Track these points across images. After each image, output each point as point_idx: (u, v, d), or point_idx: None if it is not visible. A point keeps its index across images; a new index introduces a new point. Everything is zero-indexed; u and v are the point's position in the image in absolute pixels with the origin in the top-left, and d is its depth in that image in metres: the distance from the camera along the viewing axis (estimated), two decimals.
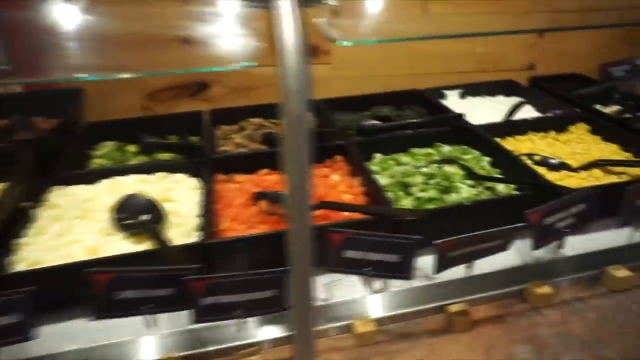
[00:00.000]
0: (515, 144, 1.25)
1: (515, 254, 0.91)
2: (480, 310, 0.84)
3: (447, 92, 1.57)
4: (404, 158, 1.17)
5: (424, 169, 1.07)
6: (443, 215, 0.90)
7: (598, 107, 1.45)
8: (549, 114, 1.37)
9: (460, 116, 1.25)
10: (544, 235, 0.79)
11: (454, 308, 0.81)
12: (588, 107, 1.36)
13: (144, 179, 1.06)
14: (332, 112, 1.45)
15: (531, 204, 0.83)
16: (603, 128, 1.27)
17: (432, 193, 0.99)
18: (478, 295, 0.85)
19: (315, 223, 0.94)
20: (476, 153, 1.19)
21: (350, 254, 0.72)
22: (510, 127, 1.29)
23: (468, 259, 0.75)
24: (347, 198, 1.01)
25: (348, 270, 0.73)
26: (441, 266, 0.72)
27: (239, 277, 0.64)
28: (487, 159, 1.16)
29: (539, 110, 1.46)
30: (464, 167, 1.06)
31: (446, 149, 1.20)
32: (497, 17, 1.54)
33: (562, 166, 1.14)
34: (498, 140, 1.25)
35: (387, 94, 1.53)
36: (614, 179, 1.08)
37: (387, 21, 1.51)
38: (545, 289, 0.86)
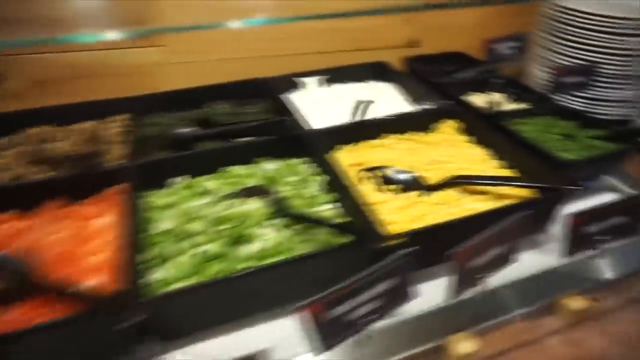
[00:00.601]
0: (366, 153, 0.98)
1: None
2: None
3: (304, 79, 1.27)
4: (210, 183, 0.86)
5: (214, 208, 0.77)
6: (175, 303, 0.61)
7: (476, 96, 1.21)
8: (415, 109, 1.11)
9: (283, 121, 0.96)
10: (332, 333, 0.53)
11: None
12: (459, 98, 1.11)
13: None
14: (154, 113, 1.12)
15: (349, 260, 0.57)
16: (474, 126, 1.02)
17: (217, 246, 0.70)
18: None
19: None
20: (308, 172, 0.90)
21: None
22: (360, 130, 1.01)
23: None
24: (97, 260, 0.70)
25: None
26: None
27: None
28: (320, 179, 0.88)
29: (412, 99, 1.20)
30: (273, 200, 0.78)
31: (269, 167, 0.91)
32: None
33: (414, 183, 0.89)
34: (343, 148, 0.99)
35: (226, 86, 1.21)
36: (472, 202, 0.83)
37: None
38: None
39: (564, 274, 0.76)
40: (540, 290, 0.77)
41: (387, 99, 1.21)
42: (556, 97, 1.15)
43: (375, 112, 1.09)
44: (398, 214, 0.81)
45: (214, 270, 0.68)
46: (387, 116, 1.02)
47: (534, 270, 0.77)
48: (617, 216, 0.66)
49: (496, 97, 1.18)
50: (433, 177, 0.90)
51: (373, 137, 1.01)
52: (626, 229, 0.68)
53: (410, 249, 0.54)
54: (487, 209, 0.76)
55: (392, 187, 0.88)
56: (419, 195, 0.86)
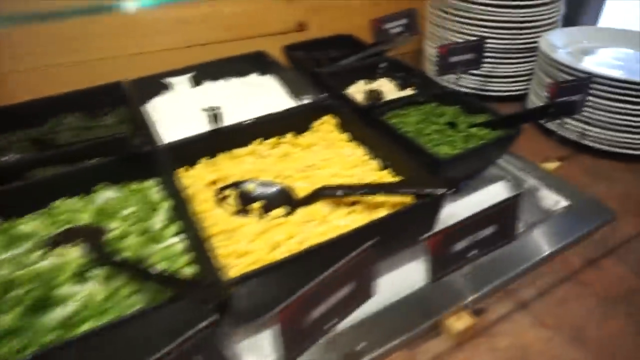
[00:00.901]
0: (230, 166, 0.85)
1: None
2: None
3: (172, 79, 1.11)
4: (28, 226, 0.71)
5: (23, 262, 0.62)
6: None
7: (362, 84, 1.10)
8: (287, 107, 0.99)
9: (131, 136, 0.82)
10: None
11: None
12: (338, 91, 1.00)
13: None
14: None
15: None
16: (351, 123, 0.91)
17: (12, 317, 0.56)
18: None
19: None
20: (157, 198, 0.77)
21: None
22: (219, 139, 0.87)
23: None
24: None
25: None
26: None
27: None
28: (167, 205, 0.74)
29: (293, 94, 1.08)
30: (95, 244, 0.64)
31: (109, 195, 0.77)
32: None
33: (280, 198, 0.77)
34: (202, 162, 0.85)
35: (77, 95, 1.03)
36: (343, 217, 0.73)
37: None
38: None
39: (441, 289, 0.68)
40: (418, 312, 0.68)
41: (267, 95, 1.08)
42: (449, 78, 1.07)
43: (253, 111, 0.95)
44: (258, 241, 0.69)
45: (9, 349, 0.54)
46: (251, 120, 0.89)
47: (408, 290, 0.68)
48: (484, 227, 0.58)
49: (382, 84, 1.08)
50: (308, 187, 0.79)
51: (240, 145, 0.88)
52: (496, 238, 0.60)
53: (212, 319, 0.43)
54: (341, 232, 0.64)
55: (257, 204, 0.76)
56: (285, 214, 0.74)
